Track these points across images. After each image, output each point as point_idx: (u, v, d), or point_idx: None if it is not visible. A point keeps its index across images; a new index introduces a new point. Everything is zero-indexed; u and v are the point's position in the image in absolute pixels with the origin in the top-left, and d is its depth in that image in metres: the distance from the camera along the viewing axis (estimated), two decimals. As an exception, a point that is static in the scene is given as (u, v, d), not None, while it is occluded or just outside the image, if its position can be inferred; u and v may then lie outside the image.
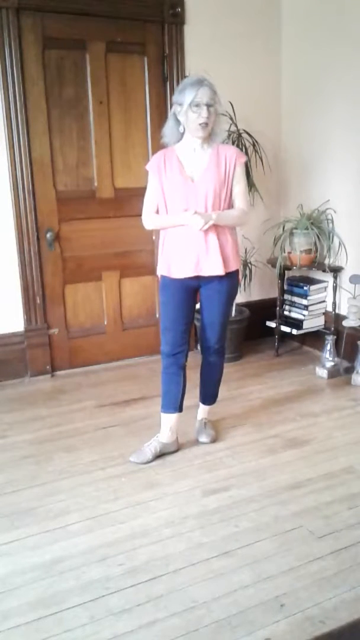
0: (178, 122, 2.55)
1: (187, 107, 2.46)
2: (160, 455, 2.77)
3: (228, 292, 2.70)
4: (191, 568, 2.04)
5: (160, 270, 2.68)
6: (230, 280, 2.67)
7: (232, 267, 2.65)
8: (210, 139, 2.58)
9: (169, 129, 2.60)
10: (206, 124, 2.48)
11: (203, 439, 2.90)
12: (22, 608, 1.88)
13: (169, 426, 2.78)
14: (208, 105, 2.46)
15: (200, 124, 2.48)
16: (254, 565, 2.04)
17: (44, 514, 2.36)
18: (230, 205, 2.63)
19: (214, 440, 2.89)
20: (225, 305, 2.72)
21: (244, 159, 2.64)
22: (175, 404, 2.75)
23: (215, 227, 2.55)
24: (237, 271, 2.70)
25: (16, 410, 3.33)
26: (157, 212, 2.65)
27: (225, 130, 3.72)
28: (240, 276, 2.80)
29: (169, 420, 2.77)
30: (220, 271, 2.58)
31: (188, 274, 2.60)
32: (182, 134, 2.57)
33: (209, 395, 2.94)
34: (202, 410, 2.98)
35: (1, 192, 3.50)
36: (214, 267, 2.58)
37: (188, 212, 2.49)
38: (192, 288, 2.68)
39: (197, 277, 2.61)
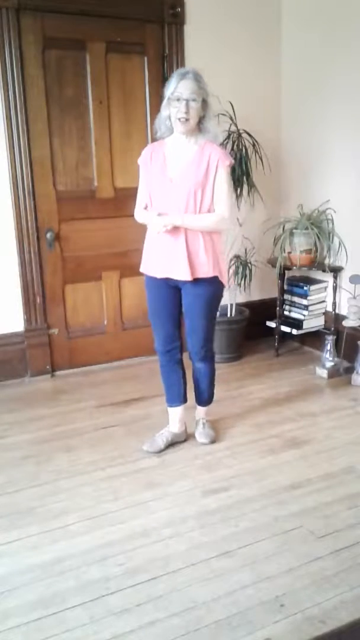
0: (168, 115, 2.49)
1: (166, 100, 2.41)
2: (171, 444, 2.84)
3: (206, 298, 2.61)
4: (191, 568, 2.04)
5: (142, 267, 2.70)
6: (207, 287, 2.58)
7: (205, 274, 2.54)
8: (200, 134, 2.50)
9: (159, 121, 2.54)
10: (186, 119, 2.40)
11: (202, 439, 2.88)
12: (22, 608, 1.88)
13: (178, 418, 2.85)
14: (189, 100, 2.37)
15: (179, 119, 2.40)
16: (254, 565, 2.04)
17: (44, 514, 2.36)
18: (206, 208, 2.51)
19: (213, 441, 2.88)
20: (204, 311, 2.64)
21: (228, 161, 2.52)
22: (180, 397, 2.82)
23: (186, 230, 2.48)
24: (216, 278, 2.59)
25: (16, 410, 3.33)
26: (147, 207, 2.63)
27: (220, 129, 3.75)
28: (226, 283, 2.68)
29: (176, 412, 2.84)
30: (186, 276, 2.51)
31: (158, 274, 2.58)
32: (173, 128, 2.52)
33: (202, 399, 2.91)
34: (199, 410, 2.95)
35: (1, 192, 3.50)
36: (180, 272, 2.52)
37: (152, 212, 2.47)
38: (171, 286, 2.63)
39: (169, 278, 2.58)
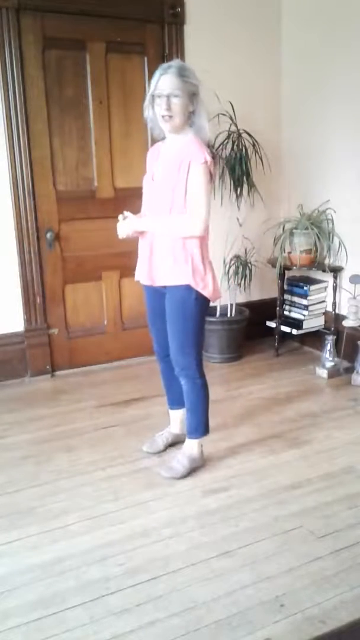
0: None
1: (149, 98, 2.29)
2: (172, 444, 2.81)
3: (173, 307, 2.40)
4: (191, 568, 2.04)
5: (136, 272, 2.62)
6: (175, 295, 2.38)
7: (172, 282, 2.36)
8: (188, 132, 2.33)
9: (153, 123, 2.38)
10: (169, 116, 2.25)
11: (162, 470, 2.59)
12: (22, 608, 1.88)
13: (178, 419, 2.82)
14: (170, 96, 2.22)
15: (162, 116, 2.26)
16: (254, 565, 2.04)
17: (44, 514, 2.36)
18: (178, 210, 2.33)
19: (173, 477, 2.55)
20: (175, 321, 2.41)
21: (202, 159, 2.25)
22: (180, 400, 2.74)
23: (153, 234, 2.39)
24: (187, 287, 2.36)
25: (16, 410, 3.33)
26: None
27: (224, 130, 3.76)
28: (209, 294, 2.42)
29: (176, 414, 2.82)
30: (147, 281, 2.45)
31: (143, 281, 2.51)
32: None
33: (188, 428, 2.62)
34: (185, 443, 2.67)
35: (1, 192, 3.50)
36: (143, 277, 2.48)
37: (121, 215, 2.41)
38: (158, 292, 2.51)
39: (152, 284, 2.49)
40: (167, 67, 2.26)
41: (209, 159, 2.29)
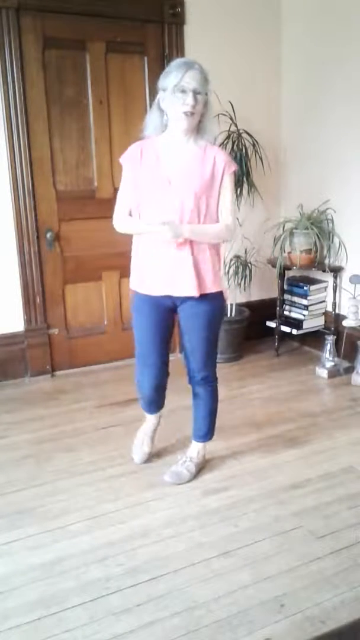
0: (162, 111, 2.23)
1: (170, 91, 2.13)
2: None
3: (208, 315, 2.35)
4: (191, 568, 2.04)
5: (133, 284, 2.40)
6: (210, 303, 2.34)
7: (210, 289, 2.31)
8: (197, 134, 2.26)
9: (151, 119, 2.28)
10: (191, 112, 2.14)
11: (166, 476, 2.55)
12: (22, 608, 1.88)
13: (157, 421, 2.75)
14: (195, 92, 2.12)
15: (184, 112, 2.14)
16: (254, 565, 2.04)
17: (44, 514, 2.36)
18: (211, 217, 2.28)
19: (178, 482, 2.53)
20: (207, 330, 2.37)
21: (234, 167, 2.30)
22: (161, 407, 2.70)
23: (191, 241, 2.25)
24: (220, 293, 2.37)
25: (16, 410, 3.33)
26: (131, 213, 2.35)
27: (219, 130, 3.71)
28: (226, 299, 2.47)
29: (156, 418, 2.74)
30: (193, 292, 2.27)
31: (159, 292, 2.31)
32: (166, 126, 2.25)
33: (200, 433, 2.59)
34: (192, 447, 2.63)
35: (1, 192, 3.50)
36: (186, 288, 2.27)
37: (155, 221, 2.18)
38: (167, 308, 2.37)
39: (171, 296, 2.33)
40: (190, 62, 2.16)
41: (237, 166, 2.34)
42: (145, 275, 2.34)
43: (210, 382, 2.50)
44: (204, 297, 2.31)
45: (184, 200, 2.22)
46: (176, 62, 2.20)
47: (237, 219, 3.80)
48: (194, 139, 2.26)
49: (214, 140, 2.34)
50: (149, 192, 2.27)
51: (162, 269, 2.29)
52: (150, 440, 2.76)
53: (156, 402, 2.65)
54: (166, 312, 2.38)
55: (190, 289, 2.27)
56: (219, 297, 2.38)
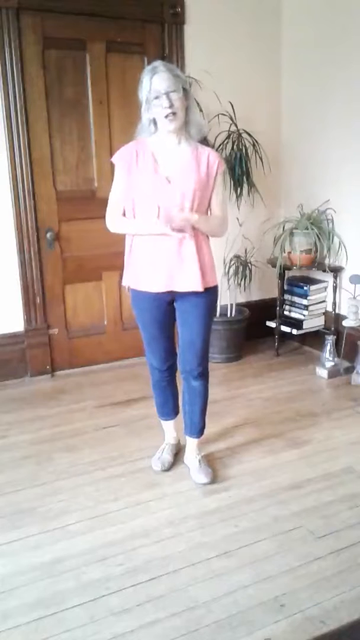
0: (149, 120, 2.26)
1: (146, 101, 2.18)
2: (175, 454, 2.77)
3: (206, 307, 2.41)
4: (191, 568, 2.04)
5: (128, 282, 2.42)
6: (209, 296, 2.39)
7: (211, 283, 2.38)
8: (186, 131, 2.27)
9: (142, 127, 2.30)
10: (173, 113, 2.17)
11: (202, 479, 2.55)
12: (22, 608, 1.88)
13: (173, 428, 2.78)
14: (168, 93, 2.14)
15: (165, 117, 2.17)
16: (254, 565, 2.04)
17: (44, 514, 2.36)
18: (206, 214, 2.36)
19: (213, 480, 2.56)
20: (205, 321, 2.43)
21: (223, 166, 2.38)
22: (175, 410, 2.74)
23: (197, 235, 2.29)
24: (216, 287, 2.43)
25: (16, 410, 3.33)
26: (124, 213, 2.36)
27: (224, 130, 3.76)
28: (218, 293, 2.53)
29: (170, 424, 2.77)
30: (197, 287, 2.30)
31: (159, 288, 2.33)
32: (156, 127, 2.27)
33: (193, 427, 2.63)
34: (190, 445, 2.67)
35: (1, 192, 3.50)
36: (191, 283, 2.30)
37: (155, 216, 2.18)
38: (165, 301, 2.41)
39: (171, 291, 2.35)
40: (153, 67, 2.18)
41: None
42: (142, 273, 2.35)
43: (206, 375, 2.58)
44: (204, 291, 2.37)
45: (182, 197, 2.26)
46: (143, 72, 2.22)
47: (237, 219, 3.87)
48: (185, 137, 2.30)
49: (199, 129, 2.32)
50: (146, 191, 2.27)
51: (162, 265, 2.30)
52: (171, 452, 2.73)
53: (169, 383, 2.65)
54: (165, 305, 2.44)
55: (195, 284, 2.31)
56: (215, 290, 2.45)
